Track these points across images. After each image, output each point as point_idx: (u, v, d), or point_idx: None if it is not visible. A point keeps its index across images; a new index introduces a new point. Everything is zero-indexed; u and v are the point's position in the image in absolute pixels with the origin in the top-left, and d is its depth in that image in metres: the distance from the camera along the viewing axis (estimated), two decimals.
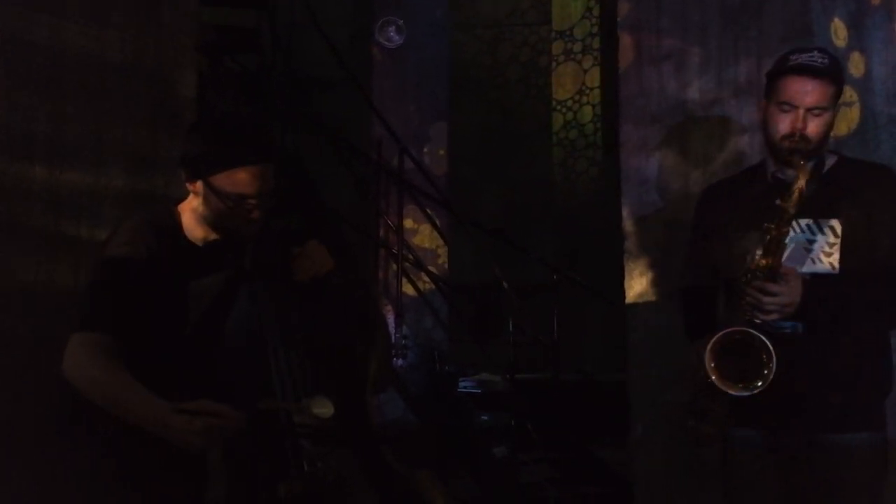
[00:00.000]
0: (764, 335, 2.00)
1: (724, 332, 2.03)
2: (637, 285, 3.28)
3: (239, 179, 1.85)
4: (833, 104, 2.13)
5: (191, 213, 1.95)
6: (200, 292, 1.92)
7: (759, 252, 2.06)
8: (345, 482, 1.83)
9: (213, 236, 1.95)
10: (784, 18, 3.05)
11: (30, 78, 2.45)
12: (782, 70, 2.13)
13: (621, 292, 3.38)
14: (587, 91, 8.31)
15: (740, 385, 2.01)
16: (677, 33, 3.26)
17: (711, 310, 2.26)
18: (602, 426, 4.96)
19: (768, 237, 2.04)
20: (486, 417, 5.08)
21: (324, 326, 1.99)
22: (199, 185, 1.89)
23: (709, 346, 2.02)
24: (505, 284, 4.92)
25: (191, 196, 1.94)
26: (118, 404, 1.75)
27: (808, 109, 2.09)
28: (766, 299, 2.02)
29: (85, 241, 2.51)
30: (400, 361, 5.24)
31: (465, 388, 5.54)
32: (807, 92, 2.08)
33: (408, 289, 5.65)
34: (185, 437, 1.70)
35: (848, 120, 2.94)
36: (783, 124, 2.11)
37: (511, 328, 4.84)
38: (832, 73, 2.11)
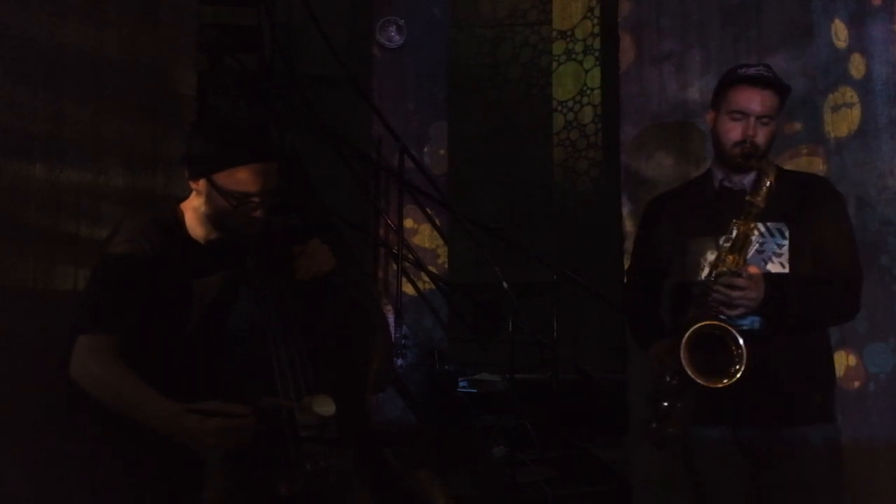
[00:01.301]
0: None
1: (699, 325, 2.10)
2: None
3: (242, 178, 1.85)
4: (777, 115, 2.27)
5: (193, 212, 1.94)
6: (203, 290, 1.92)
7: (725, 248, 2.16)
8: (345, 481, 1.83)
9: (215, 234, 1.95)
10: (784, 19, 3.05)
11: (29, 76, 2.45)
12: (733, 81, 2.27)
13: (620, 292, 3.37)
14: (588, 91, 8.30)
15: (714, 378, 2.08)
16: (677, 33, 3.26)
17: (658, 316, 2.41)
18: (601, 426, 4.97)
19: (735, 232, 2.14)
20: (485, 417, 5.07)
21: (325, 325, 1.99)
22: (202, 183, 1.88)
23: (683, 342, 2.09)
24: (505, 284, 4.92)
25: (193, 194, 1.93)
26: (129, 406, 1.76)
27: (758, 118, 2.22)
28: (735, 293, 2.11)
29: (84, 239, 2.50)
30: (399, 361, 5.23)
31: (464, 387, 5.54)
32: (757, 101, 2.22)
33: (407, 288, 5.65)
34: (197, 438, 1.70)
35: (848, 121, 2.94)
36: (734, 132, 2.24)
37: (510, 328, 4.84)
38: (778, 86, 2.25)
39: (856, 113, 2.93)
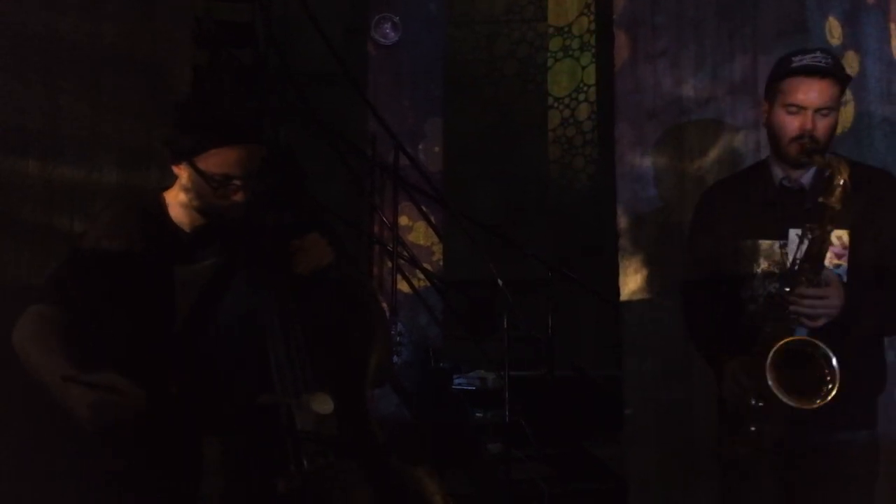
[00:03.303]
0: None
1: (784, 342, 1.98)
2: (631, 282, 3.29)
3: (223, 159, 1.84)
4: (838, 104, 2.13)
5: (177, 198, 1.94)
6: (190, 278, 1.91)
7: (800, 255, 2.02)
8: (343, 478, 1.83)
9: (199, 221, 1.94)
10: (779, 16, 3.06)
11: (23, 71, 2.44)
12: (787, 72, 2.12)
13: (616, 289, 3.38)
14: (584, 88, 8.30)
15: (805, 398, 1.96)
16: (673, 30, 3.27)
17: (714, 311, 2.26)
18: (596, 422, 4.97)
19: (811, 237, 2.00)
20: (480, 414, 5.08)
21: (323, 320, 1.98)
22: (184, 166, 1.88)
23: (768, 362, 1.97)
24: (500, 281, 4.92)
25: (177, 181, 1.93)
26: (33, 369, 1.73)
27: (816, 110, 2.08)
28: (819, 304, 2.00)
29: (79, 236, 2.50)
30: (395, 358, 5.24)
31: (459, 384, 5.54)
32: (814, 93, 2.08)
33: (402, 286, 5.65)
34: (76, 409, 1.64)
35: (842, 119, 2.94)
36: (791, 126, 2.10)
37: (506, 325, 4.84)
38: (836, 74, 2.11)
39: (849, 110, 2.94)
